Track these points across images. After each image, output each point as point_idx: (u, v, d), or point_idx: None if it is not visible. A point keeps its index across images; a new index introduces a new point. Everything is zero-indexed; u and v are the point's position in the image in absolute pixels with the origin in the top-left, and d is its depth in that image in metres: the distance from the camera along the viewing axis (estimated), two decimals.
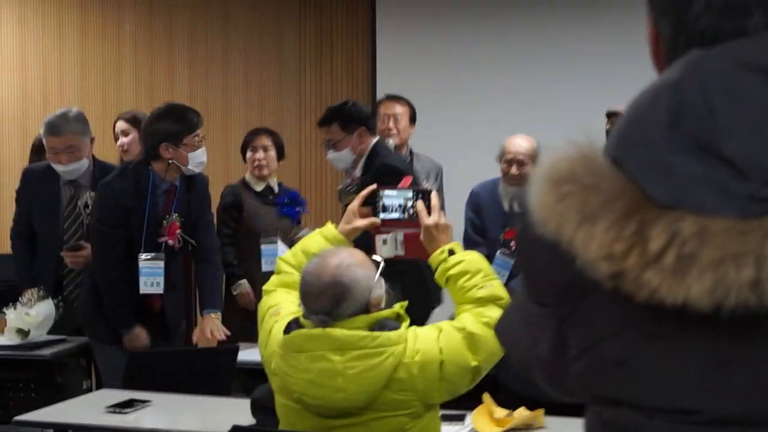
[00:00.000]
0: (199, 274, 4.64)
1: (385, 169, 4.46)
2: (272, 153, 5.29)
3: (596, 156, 1.00)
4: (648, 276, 0.93)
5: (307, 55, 7.43)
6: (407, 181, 3.64)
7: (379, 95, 6.20)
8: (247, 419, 3.05)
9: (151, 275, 4.30)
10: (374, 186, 3.11)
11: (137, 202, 4.29)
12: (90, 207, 4.57)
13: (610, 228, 0.95)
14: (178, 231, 4.42)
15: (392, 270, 3.02)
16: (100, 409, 3.44)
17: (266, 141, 5.31)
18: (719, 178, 0.92)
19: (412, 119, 5.21)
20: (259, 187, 5.27)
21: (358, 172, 4.64)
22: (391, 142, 5.05)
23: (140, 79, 7.10)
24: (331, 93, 7.25)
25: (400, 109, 5.16)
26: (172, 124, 4.28)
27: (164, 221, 4.38)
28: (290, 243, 4.66)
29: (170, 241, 4.37)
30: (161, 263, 4.32)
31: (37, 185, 4.78)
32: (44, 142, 4.59)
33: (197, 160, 4.32)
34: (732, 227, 0.91)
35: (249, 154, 5.28)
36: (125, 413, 3.39)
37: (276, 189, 5.33)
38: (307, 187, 6.91)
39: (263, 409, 2.99)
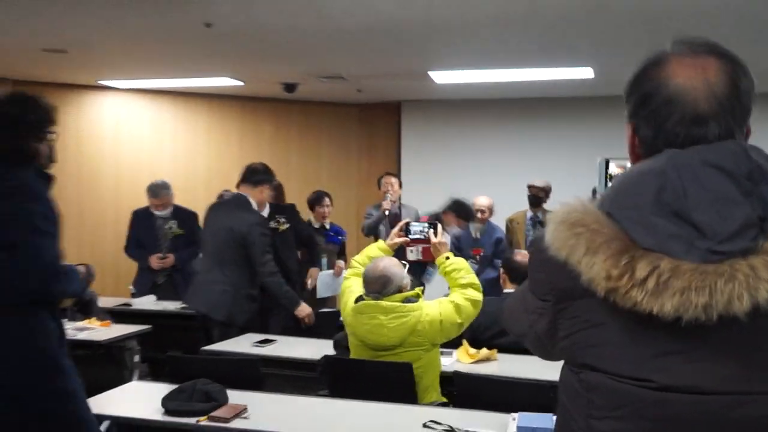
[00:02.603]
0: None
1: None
2: (332, 208, 5.33)
3: (595, 210, 0.94)
4: (633, 293, 0.88)
5: (362, 149, 7.45)
6: (425, 218, 3.79)
7: (403, 173, 6.37)
8: (332, 352, 3.12)
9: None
10: (407, 220, 3.17)
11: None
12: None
13: (608, 259, 0.89)
14: None
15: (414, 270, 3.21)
16: (249, 345, 3.52)
17: (329, 201, 5.29)
18: (688, 235, 0.87)
19: (400, 185, 5.40)
20: (317, 225, 5.26)
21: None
22: (389, 197, 5.17)
23: (273, 162, 6.77)
24: (376, 172, 6.99)
25: (393, 180, 5.32)
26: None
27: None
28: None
29: None
30: None
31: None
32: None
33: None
34: (695, 268, 0.86)
35: (316, 207, 5.26)
36: (263, 347, 3.46)
37: (328, 227, 5.30)
38: (356, 225, 6.65)
39: (341, 346, 3.05)
